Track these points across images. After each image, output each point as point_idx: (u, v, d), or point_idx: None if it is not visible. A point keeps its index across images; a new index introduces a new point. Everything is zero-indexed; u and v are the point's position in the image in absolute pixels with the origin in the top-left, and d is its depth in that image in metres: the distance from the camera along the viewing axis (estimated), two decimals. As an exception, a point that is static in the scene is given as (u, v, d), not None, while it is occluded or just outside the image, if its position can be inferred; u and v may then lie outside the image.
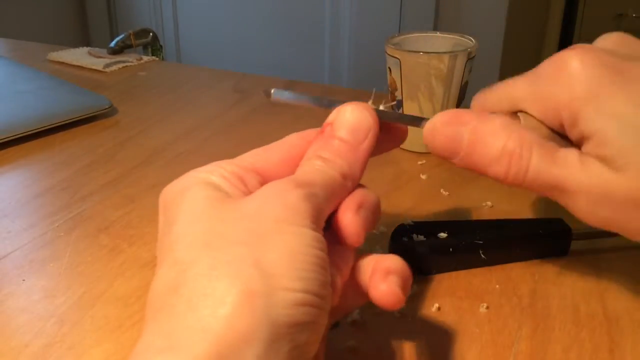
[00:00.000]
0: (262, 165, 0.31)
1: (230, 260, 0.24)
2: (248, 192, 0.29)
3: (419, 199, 0.51)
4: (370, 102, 0.33)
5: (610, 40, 0.31)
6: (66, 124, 0.65)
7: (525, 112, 0.31)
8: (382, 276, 0.29)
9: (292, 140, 0.32)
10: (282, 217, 0.26)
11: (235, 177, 0.29)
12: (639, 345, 0.34)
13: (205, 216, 0.27)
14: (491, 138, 0.30)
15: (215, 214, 0.27)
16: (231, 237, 0.26)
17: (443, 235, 0.41)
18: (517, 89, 0.32)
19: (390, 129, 0.34)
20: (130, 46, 0.96)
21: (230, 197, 0.28)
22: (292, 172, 0.30)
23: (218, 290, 0.24)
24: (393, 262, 0.29)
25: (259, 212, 0.26)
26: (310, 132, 0.33)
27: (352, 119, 0.31)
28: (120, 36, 0.96)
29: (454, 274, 0.41)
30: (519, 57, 1.91)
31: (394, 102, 0.34)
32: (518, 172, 0.30)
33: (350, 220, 0.29)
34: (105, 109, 0.68)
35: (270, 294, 0.24)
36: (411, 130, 0.59)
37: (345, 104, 0.32)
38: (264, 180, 0.30)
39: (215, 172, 0.29)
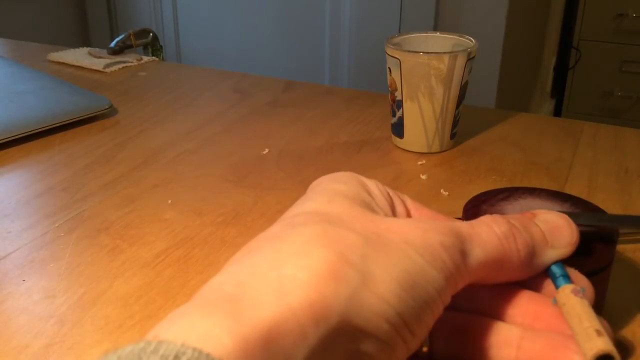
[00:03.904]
0: (411, 207, 0.31)
1: (339, 240, 0.24)
2: (392, 214, 0.29)
3: (419, 199, 0.51)
4: None
5: None
6: (66, 124, 0.65)
7: None
8: None
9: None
10: (411, 240, 0.25)
11: (387, 195, 0.29)
12: (639, 345, 0.34)
13: (337, 204, 0.27)
14: None
15: (348, 210, 0.26)
16: (352, 226, 0.25)
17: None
18: None
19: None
20: (130, 46, 0.96)
21: (369, 207, 0.27)
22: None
23: (312, 255, 0.23)
24: None
25: (392, 228, 0.26)
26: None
27: (557, 222, 0.30)
28: (121, 36, 0.96)
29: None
30: (519, 57, 1.91)
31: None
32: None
33: None
34: (105, 109, 0.68)
35: (358, 291, 0.23)
36: (411, 130, 0.59)
37: (552, 211, 0.31)
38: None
39: (373, 182, 0.29)
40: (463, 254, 0.26)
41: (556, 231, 0.29)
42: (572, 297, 0.27)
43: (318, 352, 0.21)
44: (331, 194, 0.28)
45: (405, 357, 0.25)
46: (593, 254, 0.33)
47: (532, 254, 0.28)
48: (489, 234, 0.27)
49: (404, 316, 0.23)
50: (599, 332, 0.25)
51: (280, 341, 0.21)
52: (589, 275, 0.30)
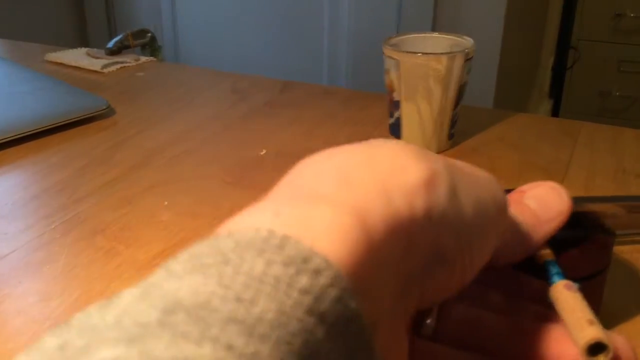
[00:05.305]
0: None
1: (424, 153, 0.23)
2: None
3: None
4: None
5: None
6: (63, 125, 0.65)
7: None
8: None
9: None
10: (477, 171, 0.26)
11: None
12: (639, 345, 0.34)
13: None
14: None
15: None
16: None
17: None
18: None
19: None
20: (128, 47, 0.96)
21: None
22: None
23: (408, 166, 0.22)
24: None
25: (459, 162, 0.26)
26: None
27: (546, 195, 0.30)
28: (119, 37, 0.96)
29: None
30: (517, 57, 1.91)
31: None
32: None
33: None
34: (103, 109, 0.68)
35: (445, 204, 0.22)
36: (409, 131, 0.59)
37: (543, 182, 0.30)
38: None
39: None
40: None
41: (546, 204, 0.30)
42: (565, 292, 0.28)
43: (405, 256, 0.21)
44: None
45: (458, 287, 0.25)
46: (589, 257, 0.33)
47: (536, 240, 0.29)
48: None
49: (471, 237, 0.24)
50: (590, 322, 0.26)
51: (390, 241, 0.20)
52: (585, 278, 0.30)
